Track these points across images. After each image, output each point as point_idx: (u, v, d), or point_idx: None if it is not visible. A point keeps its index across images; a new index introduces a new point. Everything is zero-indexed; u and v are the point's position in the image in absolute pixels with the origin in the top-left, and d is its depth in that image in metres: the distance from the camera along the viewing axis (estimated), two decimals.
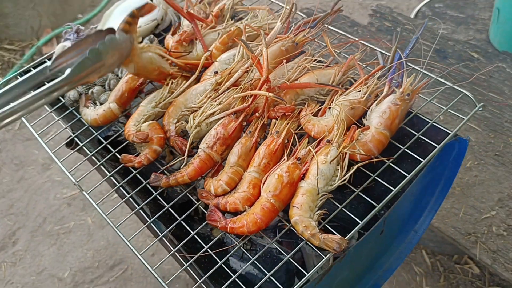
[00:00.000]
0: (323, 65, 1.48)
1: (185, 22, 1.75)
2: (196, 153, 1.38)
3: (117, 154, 1.50)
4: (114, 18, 1.88)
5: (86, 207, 3.64)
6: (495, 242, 2.20)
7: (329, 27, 1.66)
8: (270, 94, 1.32)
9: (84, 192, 1.41)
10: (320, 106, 1.41)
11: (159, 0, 1.88)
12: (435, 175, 1.43)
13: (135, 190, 1.39)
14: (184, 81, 1.53)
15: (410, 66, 1.46)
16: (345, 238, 1.15)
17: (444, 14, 3.37)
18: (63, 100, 1.69)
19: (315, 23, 1.64)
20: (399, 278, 2.98)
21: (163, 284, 1.19)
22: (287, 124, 1.34)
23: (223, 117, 1.41)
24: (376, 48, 1.54)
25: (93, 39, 1.22)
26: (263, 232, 1.44)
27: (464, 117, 1.34)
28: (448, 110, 1.39)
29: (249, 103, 1.37)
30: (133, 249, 1.27)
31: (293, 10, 1.58)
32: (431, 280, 2.94)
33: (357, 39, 1.58)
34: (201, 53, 1.62)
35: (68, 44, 1.77)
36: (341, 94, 1.40)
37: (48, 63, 1.24)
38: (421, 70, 1.44)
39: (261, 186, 1.27)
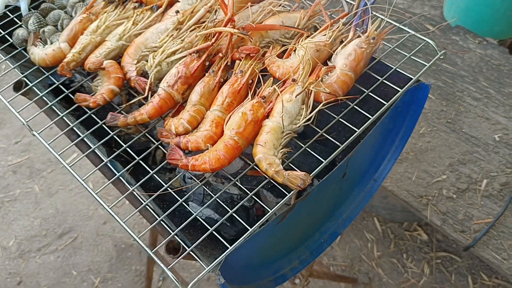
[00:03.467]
0: (288, 10, 1.45)
1: None
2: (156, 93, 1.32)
3: (70, 95, 1.42)
4: None
5: (33, 174, 3.48)
6: (445, 204, 2.27)
7: None
8: (235, 31, 1.27)
9: (35, 132, 1.32)
10: (285, 48, 1.38)
11: None
12: (396, 122, 1.45)
13: (90, 131, 1.32)
14: (149, 13, 1.46)
15: (375, 14, 1.45)
16: (310, 174, 1.14)
17: None
18: (11, 40, 1.57)
19: None
20: (351, 245, 3.05)
21: (133, 236, 1.13)
22: (252, 64, 1.30)
23: (184, 56, 1.35)
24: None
25: None
26: (225, 178, 1.40)
27: (426, 63, 1.35)
28: (411, 57, 1.39)
29: (213, 41, 1.32)
30: (89, 189, 1.20)
31: None
32: (382, 246, 3.02)
33: None
34: None
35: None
36: (306, 37, 1.38)
37: None
38: (385, 18, 1.43)
39: (224, 125, 1.23)
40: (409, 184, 2.39)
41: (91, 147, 1.30)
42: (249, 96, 1.27)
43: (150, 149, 1.29)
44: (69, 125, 1.35)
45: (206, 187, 1.39)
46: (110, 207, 1.15)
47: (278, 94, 1.24)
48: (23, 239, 3.11)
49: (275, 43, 1.41)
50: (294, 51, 1.36)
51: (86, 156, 1.33)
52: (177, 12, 1.44)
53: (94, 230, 3.11)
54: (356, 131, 1.23)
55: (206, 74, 1.33)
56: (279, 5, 1.46)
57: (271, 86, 1.27)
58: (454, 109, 2.60)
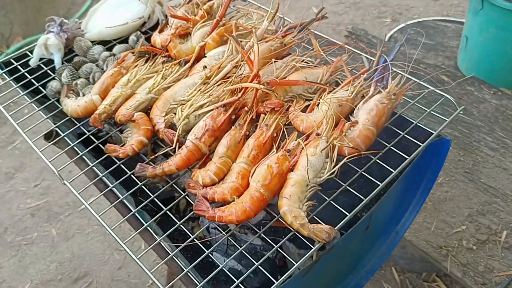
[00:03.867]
0: (311, 65, 1.51)
1: (173, 20, 1.76)
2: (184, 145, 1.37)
3: (100, 145, 1.47)
4: (99, 15, 1.86)
5: (51, 218, 3.52)
6: (465, 255, 2.25)
7: (315, 32, 1.70)
8: (261, 86, 1.33)
9: (66, 182, 1.36)
10: (308, 103, 1.43)
11: None
12: (418, 175, 1.47)
13: (119, 180, 1.36)
14: (178, 67, 1.53)
15: (394, 70, 1.51)
16: (335, 228, 1.15)
17: (415, 41, 3.50)
18: (45, 91, 1.65)
19: (301, 28, 1.67)
20: None
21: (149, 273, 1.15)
22: (277, 118, 1.35)
23: (212, 109, 1.41)
24: (361, 53, 1.59)
25: None
26: (247, 228, 1.42)
27: (444, 117, 1.39)
28: (431, 112, 1.43)
29: (239, 95, 1.37)
30: (115, 236, 1.22)
31: (278, 12, 1.62)
32: None
33: (341, 43, 1.62)
34: (196, 45, 1.62)
35: (51, 36, 1.74)
36: (329, 93, 1.43)
37: None
38: (405, 75, 1.48)
39: (250, 177, 1.26)
40: (428, 234, 2.37)
41: (119, 197, 1.34)
42: (274, 149, 1.31)
43: (177, 200, 1.32)
44: (99, 175, 1.39)
45: (229, 238, 1.41)
46: (138, 257, 1.18)
47: (303, 148, 1.28)
48: (39, 283, 3.11)
49: (298, 97, 1.46)
50: (317, 105, 1.41)
51: (112, 204, 1.36)
52: (205, 67, 1.50)
53: (109, 275, 3.10)
54: (379, 185, 1.25)
55: (232, 127, 1.37)
56: (302, 61, 1.52)
57: (296, 140, 1.30)
58: (471, 159, 2.61)
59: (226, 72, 1.46)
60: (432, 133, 1.37)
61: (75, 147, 1.47)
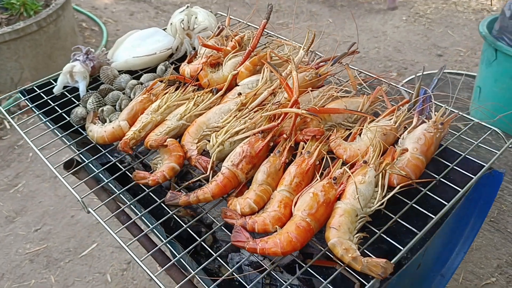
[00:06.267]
0: (348, 94, 1.46)
1: (203, 51, 1.72)
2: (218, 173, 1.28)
3: (127, 173, 1.38)
4: (126, 45, 1.83)
5: (50, 264, 3.33)
6: None
7: (350, 66, 1.66)
8: (303, 111, 1.26)
9: (90, 209, 1.26)
10: (348, 132, 1.36)
11: (176, 30, 1.85)
12: (467, 211, 1.37)
13: (148, 209, 1.26)
14: (210, 95, 1.47)
15: (435, 102, 1.46)
16: (391, 262, 1.05)
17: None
18: (68, 118, 1.57)
19: (334, 61, 1.64)
20: None
21: None
22: (318, 146, 1.27)
23: (248, 136, 1.33)
24: (398, 86, 1.54)
25: None
26: (283, 267, 1.31)
27: (497, 151, 1.31)
28: (479, 144, 1.37)
29: (279, 121, 1.30)
30: (147, 270, 1.11)
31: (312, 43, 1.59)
32: None
33: (377, 75, 1.58)
34: (227, 74, 1.58)
35: (77, 64, 1.69)
36: (370, 122, 1.36)
37: None
38: (449, 108, 1.43)
39: (293, 206, 1.16)
40: (455, 286, 2.24)
41: (148, 226, 1.23)
42: (317, 177, 1.22)
43: (210, 232, 1.21)
44: (123, 204, 1.29)
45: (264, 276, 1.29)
46: None
47: (349, 176, 1.19)
48: None
49: (338, 126, 1.39)
50: (359, 134, 1.34)
51: (144, 232, 1.26)
52: (240, 94, 1.44)
53: None
54: (432, 218, 1.15)
55: (272, 154, 1.29)
56: (339, 91, 1.47)
57: (341, 168, 1.22)
58: (496, 208, 2.52)
59: (263, 98, 1.40)
60: (483, 165, 1.29)
61: (99, 175, 1.38)
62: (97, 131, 1.46)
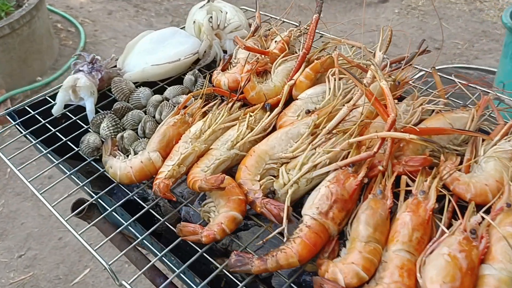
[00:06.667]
0: (450, 108, 1.13)
1: (240, 55, 1.37)
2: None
3: (169, 225, 1.02)
4: (139, 50, 1.46)
5: None
6: None
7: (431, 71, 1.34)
8: (413, 136, 0.93)
9: (124, 282, 0.89)
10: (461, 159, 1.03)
11: (200, 29, 1.49)
12: None
13: (206, 281, 0.90)
14: (267, 114, 1.13)
15: None
16: None
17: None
18: (77, 148, 1.20)
19: (406, 62, 1.32)
20: None
21: None
22: (436, 183, 0.94)
23: (329, 170, 0.99)
24: (504, 96, 1.22)
25: None
26: None
27: None
28: None
29: (376, 150, 0.96)
30: None
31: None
32: None
33: (473, 80, 1.26)
34: (279, 84, 1.23)
35: (81, 77, 1.31)
36: (487, 144, 1.04)
37: None
38: None
39: (418, 273, 0.83)
40: None
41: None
42: (442, 227, 0.89)
43: None
44: (156, 254, 0.93)
45: None
46: None
47: (489, 225, 0.86)
48: None
49: (442, 151, 1.06)
50: (476, 162, 1.01)
51: None
52: (309, 111, 1.10)
53: None
54: None
55: (370, 197, 0.95)
56: (433, 102, 1.14)
57: (475, 214, 0.89)
58: None
59: (341, 117, 1.05)
60: None
61: (116, 217, 1.01)
62: (120, 167, 1.09)
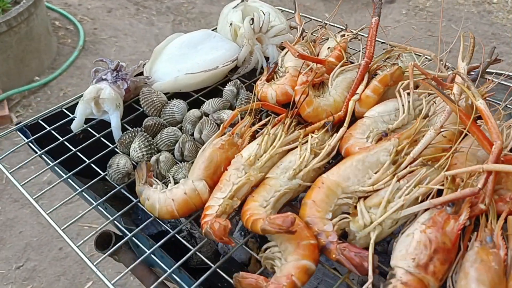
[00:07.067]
0: None
1: (288, 63, 1.19)
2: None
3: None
4: (169, 57, 1.27)
5: None
6: None
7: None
8: None
9: None
10: None
11: (237, 32, 1.31)
12: None
13: None
14: (328, 134, 0.95)
15: None
16: None
17: None
18: (103, 172, 1.01)
19: (481, 71, 1.15)
20: None
21: None
22: None
23: (421, 209, 0.81)
24: None
25: None
26: None
27: None
28: None
29: (482, 185, 0.78)
30: None
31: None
32: None
33: None
34: (339, 98, 1.06)
35: (105, 87, 1.12)
36: None
37: None
38: None
39: None
40: None
41: None
42: None
43: None
44: None
45: None
46: None
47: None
48: None
49: None
50: None
51: None
52: (386, 134, 0.92)
53: None
54: None
55: (477, 245, 0.77)
56: None
57: None
58: None
59: (428, 142, 0.87)
60: None
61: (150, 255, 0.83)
62: (159, 199, 0.90)
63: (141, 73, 1.27)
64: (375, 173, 0.87)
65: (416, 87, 1.07)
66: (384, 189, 0.85)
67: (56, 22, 4.82)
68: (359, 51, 1.30)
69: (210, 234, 0.83)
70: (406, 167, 0.87)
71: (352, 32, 1.32)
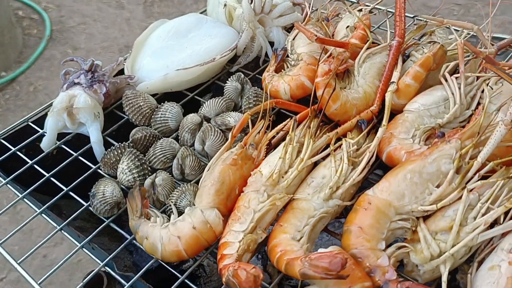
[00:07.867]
0: None
1: (301, 49, 0.98)
2: None
3: None
4: (153, 49, 1.05)
5: None
6: None
7: None
8: None
9: None
10: None
11: (231, 14, 1.09)
12: None
13: None
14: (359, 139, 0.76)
15: None
16: None
17: None
18: (86, 204, 0.80)
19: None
20: None
21: None
22: None
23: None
24: None
25: None
26: None
27: None
28: None
29: None
30: None
31: None
32: None
33: None
34: (370, 89, 0.86)
35: (78, 92, 0.90)
36: None
37: None
38: None
39: None
40: None
41: None
42: None
43: None
44: None
45: None
46: None
47: None
48: None
49: None
50: None
51: None
52: (443, 134, 0.73)
53: None
54: None
55: None
56: None
57: None
58: None
59: (497, 142, 0.69)
60: None
61: None
62: (161, 237, 0.70)
63: (122, 71, 1.05)
64: (437, 186, 0.69)
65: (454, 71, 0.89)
66: (451, 207, 0.67)
67: (19, 12, 4.49)
68: (377, 28, 1.11)
69: (234, 284, 0.63)
70: (473, 175, 0.68)
71: (367, 5, 1.12)
